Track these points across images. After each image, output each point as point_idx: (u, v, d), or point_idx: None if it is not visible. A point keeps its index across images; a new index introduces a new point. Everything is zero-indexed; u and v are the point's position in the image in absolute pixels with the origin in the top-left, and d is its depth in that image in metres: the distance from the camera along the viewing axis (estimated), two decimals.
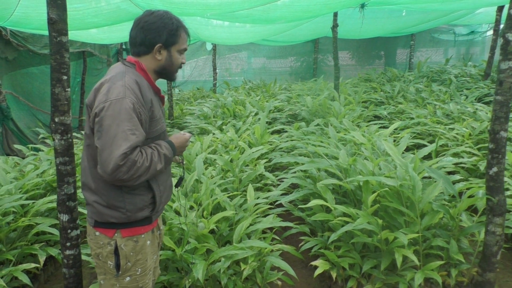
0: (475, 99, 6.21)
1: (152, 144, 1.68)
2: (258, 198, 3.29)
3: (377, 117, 6.44)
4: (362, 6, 5.66)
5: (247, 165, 4.19)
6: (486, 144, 4.11)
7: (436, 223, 2.84)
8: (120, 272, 1.70)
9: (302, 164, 3.34)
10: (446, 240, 2.70)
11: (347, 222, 2.71)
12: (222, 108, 6.37)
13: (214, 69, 10.59)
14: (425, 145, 4.42)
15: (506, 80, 2.34)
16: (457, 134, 4.61)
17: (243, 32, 7.87)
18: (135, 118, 1.54)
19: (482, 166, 3.60)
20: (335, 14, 6.90)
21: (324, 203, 2.82)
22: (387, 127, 5.15)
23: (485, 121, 4.53)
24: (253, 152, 3.94)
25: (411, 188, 2.75)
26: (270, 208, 3.36)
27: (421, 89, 7.12)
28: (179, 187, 2.07)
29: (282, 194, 3.47)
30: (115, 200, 1.64)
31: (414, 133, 5.02)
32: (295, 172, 3.60)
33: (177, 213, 2.92)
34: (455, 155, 4.20)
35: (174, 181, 2.63)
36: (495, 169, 2.46)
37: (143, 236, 1.73)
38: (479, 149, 4.17)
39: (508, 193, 3.03)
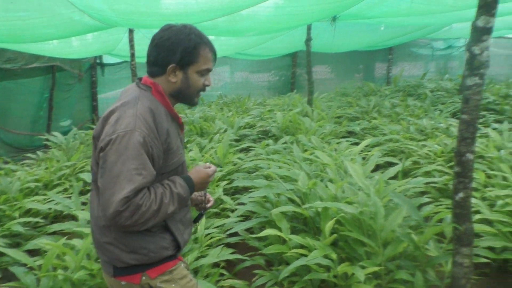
0: (450, 114, 6.06)
1: (165, 181, 1.45)
2: (211, 226, 3.00)
3: (351, 133, 6.24)
4: (334, 19, 5.49)
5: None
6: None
7: (401, 253, 2.58)
8: None
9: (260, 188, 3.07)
10: (411, 272, 2.44)
11: (303, 254, 2.44)
12: (189, 125, 6.08)
13: None
14: (396, 164, 4.20)
15: (472, 97, 2.12)
16: (429, 151, 4.41)
17: (216, 46, 7.64)
18: (144, 154, 1.34)
19: None
20: (309, 28, 6.74)
21: (278, 233, 2.54)
22: (359, 144, 4.95)
23: (452, 138, 4.34)
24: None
25: (373, 215, 2.50)
26: (230, 236, 3.07)
27: (396, 104, 6.96)
28: (198, 223, 1.82)
29: (241, 220, 3.19)
30: (133, 241, 1.43)
31: (386, 150, 4.80)
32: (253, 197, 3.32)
33: None
34: (427, 173, 3.99)
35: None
36: (461, 194, 2.22)
37: (175, 267, 1.53)
38: (450, 167, 3.96)
39: (478, 216, 2.81)
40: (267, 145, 4.92)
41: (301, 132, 5.28)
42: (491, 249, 2.74)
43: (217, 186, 3.79)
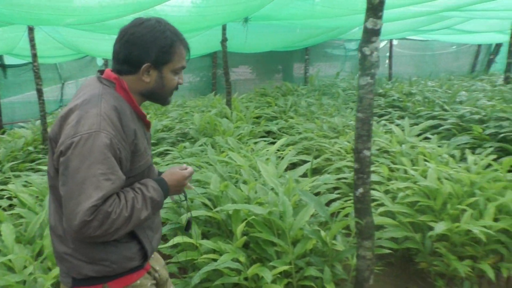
0: None
1: (136, 185, 1.33)
2: None
3: (269, 133, 6.33)
4: (246, 20, 5.51)
5: None
6: None
7: (311, 250, 2.65)
8: None
9: None
10: (320, 268, 2.50)
11: (214, 259, 2.39)
12: None
13: None
14: (309, 161, 4.32)
15: (365, 96, 2.22)
16: (340, 148, 4.60)
17: None
18: (112, 158, 1.21)
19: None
20: (224, 28, 6.72)
21: (188, 239, 2.47)
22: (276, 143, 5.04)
23: None
24: None
25: (282, 214, 2.53)
26: None
27: (311, 103, 7.20)
28: (189, 231, 1.71)
29: None
30: (94, 251, 1.30)
31: (301, 148, 4.93)
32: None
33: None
34: (338, 169, 4.15)
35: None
36: (361, 190, 2.32)
37: (139, 281, 1.41)
38: None
39: (382, 209, 2.97)
40: (184, 147, 4.81)
41: (219, 134, 5.24)
42: (394, 239, 2.93)
43: None
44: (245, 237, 2.44)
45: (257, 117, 7.29)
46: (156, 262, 1.62)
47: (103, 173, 1.18)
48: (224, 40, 6.71)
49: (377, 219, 2.83)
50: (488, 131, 4.15)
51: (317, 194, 3.35)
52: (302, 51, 12.12)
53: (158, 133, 5.96)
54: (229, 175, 3.41)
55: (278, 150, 4.46)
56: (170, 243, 2.46)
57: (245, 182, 3.21)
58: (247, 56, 12.26)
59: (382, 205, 3.13)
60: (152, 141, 5.51)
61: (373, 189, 3.27)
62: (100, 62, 11.02)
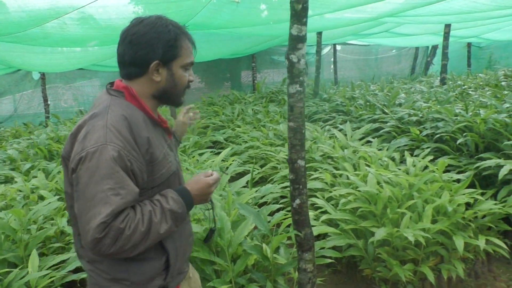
0: (306, 117, 6.42)
1: (155, 197, 1.25)
2: (44, 266, 2.59)
3: (216, 143, 6.20)
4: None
5: (52, 219, 3.43)
6: (310, 164, 4.10)
7: (253, 265, 2.54)
8: None
9: None
10: (262, 284, 2.40)
11: None
12: (34, 148, 5.38)
13: (45, 100, 9.62)
14: (256, 170, 4.24)
15: (296, 105, 2.15)
16: (285, 155, 4.55)
17: (65, 58, 6.99)
18: (121, 171, 1.15)
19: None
20: None
21: None
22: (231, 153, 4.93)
23: (309, 140, 4.57)
24: (48, 204, 3.20)
25: (220, 230, 2.40)
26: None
27: (258, 111, 7.15)
28: (209, 241, 1.60)
29: None
30: (116, 270, 1.24)
31: (247, 158, 4.85)
32: None
33: None
34: (284, 177, 4.09)
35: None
36: (298, 201, 2.24)
37: None
38: (309, 169, 4.13)
39: (325, 217, 2.92)
40: None
41: None
42: (338, 247, 2.88)
43: (62, 216, 3.35)
44: None
45: (204, 127, 7.16)
46: (190, 274, 1.52)
47: (111, 188, 1.13)
48: None
49: (320, 228, 2.79)
50: (425, 132, 4.25)
51: (262, 204, 3.26)
52: (249, 58, 12.12)
53: None
54: None
55: (223, 161, 4.35)
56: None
57: None
58: (196, 65, 12.04)
59: (326, 212, 3.09)
60: None
61: (316, 197, 3.23)
62: (36, 76, 10.44)
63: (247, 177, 3.24)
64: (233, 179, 4.20)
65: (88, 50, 6.80)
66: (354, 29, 7.94)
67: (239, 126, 6.55)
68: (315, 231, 2.71)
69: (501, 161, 3.24)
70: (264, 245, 2.47)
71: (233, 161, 4.18)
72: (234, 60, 12.34)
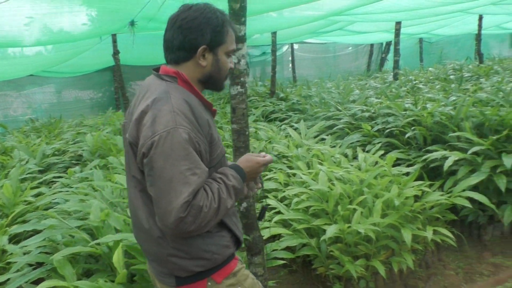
0: (262, 117, 6.41)
1: (217, 176, 1.32)
2: None
3: None
4: (132, 24, 5.19)
5: None
6: None
7: None
8: None
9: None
10: None
11: None
12: None
13: None
14: None
15: (238, 106, 2.11)
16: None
17: (10, 65, 6.66)
18: (193, 152, 1.21)
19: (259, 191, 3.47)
20: (114, 40, 6.36)
21: (58, 283, 2.16)
22: None
23: (264, 140, 4.55)
24: None
25: None
26: None
27: None
28: (262, 219, 1.70)
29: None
30: (196, 247, 1.32)
31: None
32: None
33: None
34: None
35: None
36: (244, 204, 2.21)
37: (237, 268, 1.43)
38: None
39: (278, 217, 2.90)
40: (74, 173, 4.39)
41: (114, 154, 4.87)
42: (293, 247, 2.87)
43: (3, 234, 3.16)
44: (125, 271, 2.19)
45: None
46: None
47: (188, 169, 1.18)
48: (115, 53, 6.34)
49: (272, 229, 2.76)
50: (376, 128, 4.33)
51: None
52: None
53: (47, 158, 5.40)
54: (116, 200, 3.13)
55: None
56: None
57: None
58: (139, 68, 11.86)
59: (279, 213, 3.08)
60: (40, 168, 4.98)
61: (269, 198, 3.21)
62: None
63: None
64: None
65: (36, 55, 6.51)
66: (309, 27, 8.02)
67: None
68: (268, 232, 2.69)
69: (446, 152, 3.34)
70: None
71: None
72: None
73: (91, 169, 4.35)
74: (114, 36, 6.26)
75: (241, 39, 2.02)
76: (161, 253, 1.33)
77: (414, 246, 2.85)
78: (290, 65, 13.00)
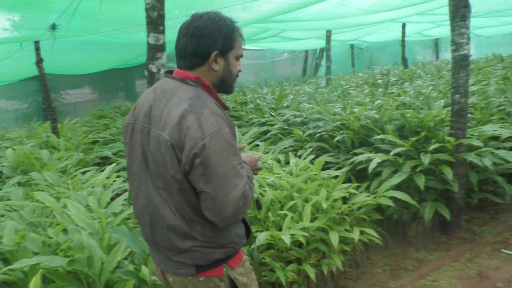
0: None
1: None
2: None
3: (106, 159, 5.82)
4: (53, 28, 4.89)
5: None
6: None
7: None
8: None
9: None
10: None
11: None
12: None
13: None
14: None
15: None
16: None
17: None
18: (237, 148, 1.35)
19: None
20: (37, 48, 5.99)
21: None
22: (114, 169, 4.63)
23: None
24: None
25: (89, 259, 2.20)
26: None
27: None
28: (260, 209, 1.91)
29: None
30: (224, 238, 1.44)
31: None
32: None
33: None
34: None
35: None
36: None
37: (245, 257, 1.57)
38: None
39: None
40: None
41: (37, 169, 4.57)
42: None
43: None
44: None
45: (93, 142, 6.69)
46: None
47: (238, 163, 1.32)
48: (39, 62, 5.97)
49: None
50: (307, 132, 4.43)
51: None
52: (142, 66, 11.70)
53: None
54: (36, 220, 2.92)
55: (108, 178, 4.07)
56: None
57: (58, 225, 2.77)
58: (86, 76, 11.37)
59: None
60: None
61: None
62: None
63: (123, 197, 3.05)
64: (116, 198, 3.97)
65: None
66: (245, 34, 8.07)
67: None
68: None
69: (371, 155, 3.49)
70: (144, 268, 2.33)
71: (117, 177, 3.94)
72: (127, 69, 11.80)
73: (10, 186, 4.04)
74: (36, 43, 5.90)
75: (159, 48, 1.98)
76: (187, 245, 1.41)
77: (342, 247, 2.94)
78: None
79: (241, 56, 1.52)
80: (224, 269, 1.46)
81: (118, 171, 4.52)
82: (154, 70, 1.97)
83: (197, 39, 1.40)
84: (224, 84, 1.50)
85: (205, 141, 1.27)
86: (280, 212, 2.93)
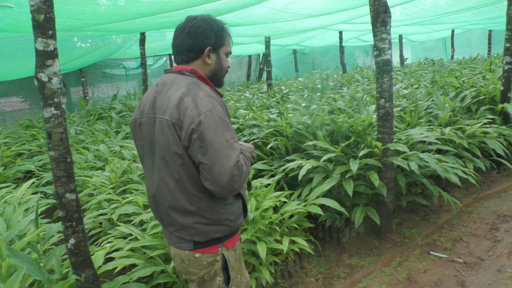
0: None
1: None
2: None
3: (31, 172, 5.39)
4: None
5: None
6: (128, 186, 3.79)
7: None
8: (230, 285, 1.66)
9: None
10: None
11: None
12: None
13: None
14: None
15: (54, 131, 1.84)
16: (106, 179, 4.14)
17: None
18: (230, 124, 1.52)
19: (115, 217, 3.19)
20: None
21: None
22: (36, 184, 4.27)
23: (127, 160, 4.25)
24: None
25: None
26: None
27: (80, 131, 6.50)
28: (251, 190, 1.97)
29: None
30: (218, 214, 1.59)
31: None
32: None
33: None
34: (99, 203, 3.70)
35: None
36: (72, 241, 1.94)
37: (238, 243, 1.73)
38: (120, 194, 3.80)
39: (129, 246, 2.65)
40: None
41: None
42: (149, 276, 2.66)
43: None
44: None
45: (18, 155, 6.19)
46: None
47: (231, 137, 1.48)
48: None
49: (119, 262, 2.51)
50: (243, 139, 4.33)
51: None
52: (77, 73, 11.13)
53: None
54: None
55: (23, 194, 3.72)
56: None
57: None
58: (13, 83, 10.62)
59: (136, 239, 2.84)
60: None
61: (122, 225, 2.95)
62: None
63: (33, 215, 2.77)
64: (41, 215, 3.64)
65: None
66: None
67: None
68: (114, 265, 2.44)
69: (302, 161, 3.43)
70: None
71: (31, 194, 3.61)
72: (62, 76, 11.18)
73: None
74: None
75: (50, 55, 1.77)
76: (186, 221, 1.57)
77: (273, 259, 2.84)
78: None
79: (230, 53, 1.72)
80: (220, 248, 1.62)
81: (38, 186, 4.17)
82: (45, 79, 1.76)
83: (192, 36, 1.60)
84: (216, 77, 1.68)
85: (200, 118, 1.44)
86: None
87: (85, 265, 1.95)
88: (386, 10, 3.19)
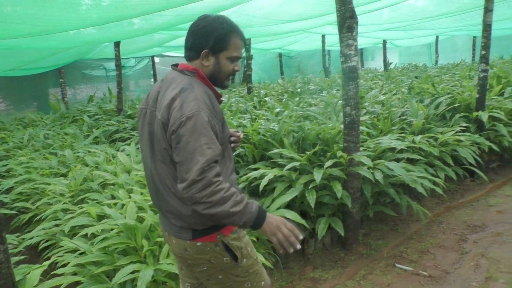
0: (105, 137, 5.88)
1: (243, 194, 1.56)
2: None
3: None
4: None
5: None
6: (87, 195, 3.62)
7: None
8: (239, 260, 1.70)
9: None
10: None
11: None
12: None
13: None
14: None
15: None
16: (65, 187, 3.97)
17: None
18: (211, 131, 1.52)
19: (67, 229, 3.02)
20: None
21: None
22: None
23: (89, 167, 4.08)
24: None
25: None
26: None
27: (49, 135, 6.29)
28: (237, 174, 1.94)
29: None
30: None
31: (18, 196, 4.10)
32: None
33: None
34: (55, 213, 3.53)
35: None
36: None
37: (236, 228, 1.72)
38: (78, 203, 3.63)
39: (74, 262, 2.50)
40: None
41: None
42: None
43: None
44: None
45: None
46: None
47: (206, 143, 1.48)
48: None
49: (60, 280, 2.36)
50: None
51: None
52: (56, 74, 10.89)
53: None
54: None
55: None
56: None
57: None
58: None
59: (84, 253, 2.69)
60: None
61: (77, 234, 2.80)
62: None
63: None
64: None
65: None
66: (157, 41, 7.73)
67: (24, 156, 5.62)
68: (50, 284, 2.28)
69: (266, 170, 3.31)
70: None
71: None
72: (39, 76, 10.87)
73: None
74: None
75: None
76: (184, 211, 1.60)
77: None
78: (152, 79, 12.52)
79: (237, 57, 1.68)
80: (218, 236, 1.65)
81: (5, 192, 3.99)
82: None
83: (194, 36, 1.64)
84: (215, 79, 1.69)
85: (182, 120, 1.47)
86: (159, 239, 2.65)
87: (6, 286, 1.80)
88: (352, 16, 3.09)
